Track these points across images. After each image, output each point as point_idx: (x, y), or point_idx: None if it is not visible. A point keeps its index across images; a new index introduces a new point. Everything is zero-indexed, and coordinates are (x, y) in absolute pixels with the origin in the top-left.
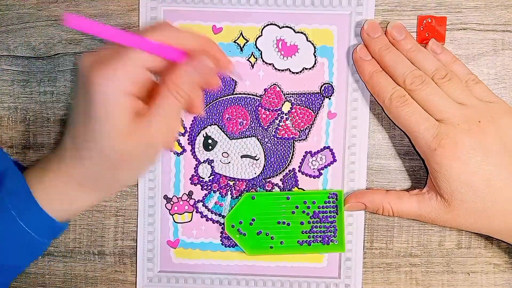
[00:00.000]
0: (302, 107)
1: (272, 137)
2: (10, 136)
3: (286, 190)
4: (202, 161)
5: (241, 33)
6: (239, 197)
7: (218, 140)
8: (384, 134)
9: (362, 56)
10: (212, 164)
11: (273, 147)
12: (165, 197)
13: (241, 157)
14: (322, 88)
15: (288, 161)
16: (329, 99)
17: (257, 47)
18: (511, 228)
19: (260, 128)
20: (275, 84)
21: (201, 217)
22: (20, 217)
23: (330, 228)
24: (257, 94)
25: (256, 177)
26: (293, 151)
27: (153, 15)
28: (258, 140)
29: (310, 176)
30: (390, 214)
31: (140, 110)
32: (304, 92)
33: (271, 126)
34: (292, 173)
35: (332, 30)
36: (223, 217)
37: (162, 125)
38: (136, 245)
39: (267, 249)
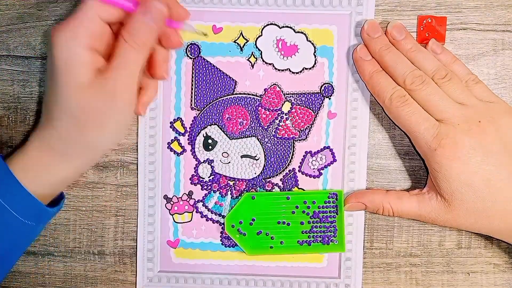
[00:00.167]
0: (302, 107)
1: (272, 137)
2: (10, 136)
3: (286, 190)
4: (202, 161)
5: (241, 33)
6: (239, 197)
7: (218, 140)
8: (384, 134)
9: (362, 56)
10: (212, 164)
11: (273, 147)
12: (165, 197)
13: (241, 157)
14: (322, 88)
15: (288, 161)
16: (329, 99)
17: (257, 47)
18: (511, 228)
19: (260, 128)
20: (275, 84)
21: (201, 217)
22: None
23: (330, 228)
24: (257, 94)
25: (256, 177)
26: (293, 151)
27: None
28: (258, 140)
29: (310, 176)
30: (390, 214)
31: (102, 67)
32: (304, 92)
33: (271, 126)
34: (292, 173)
35: (332, 30)
36: (223, 217)
37: (121, 76)
38: (136, 245)
39: (267, 249)
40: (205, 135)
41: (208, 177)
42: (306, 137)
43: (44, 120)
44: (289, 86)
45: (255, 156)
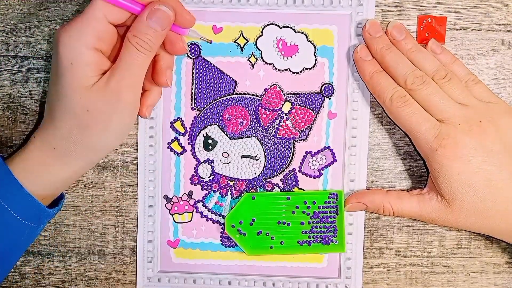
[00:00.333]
0: (303, 107)
1: (272, 137)
2: (10, 136)
3: (286, 190)
4: (202, 161)
5: (242, 33)
6: (239, 197)
7: (218, 140)
8: (384, 134)
9: (363, 56)
10: (212, 164)
11: (273, 147)
12: (165, 197)
13: (241, 157)
14: (323, 88)
15: (288, 161)
16: (330, 99)
17: (257, 47)
18: None
19: (260, 128)
20: (275, 84)
21: (201, 217)
22: None
23: (330, 228)
24: (257, 94)
25: (256, 177)
26: (293, 151)
27: None
28: (258, 140)
29: (310, 176)
30: (391, 214)
31: (107, 69)
32: (304, 92)
33: (271, 126)
34: (292, 173)
35: (332, 30)
36: (223, 217)
37: (126, 78)
38: (136, 245)
39: (267, 249)
40: (205, 135)
41: (208, 177)
42: (306, 137)
43: (47, 120)
44: (289, 86)
45: (255, 156)
